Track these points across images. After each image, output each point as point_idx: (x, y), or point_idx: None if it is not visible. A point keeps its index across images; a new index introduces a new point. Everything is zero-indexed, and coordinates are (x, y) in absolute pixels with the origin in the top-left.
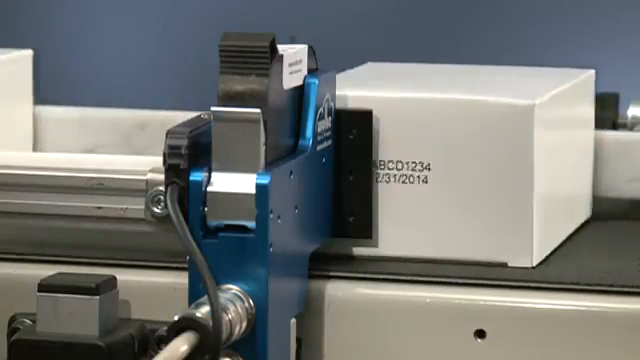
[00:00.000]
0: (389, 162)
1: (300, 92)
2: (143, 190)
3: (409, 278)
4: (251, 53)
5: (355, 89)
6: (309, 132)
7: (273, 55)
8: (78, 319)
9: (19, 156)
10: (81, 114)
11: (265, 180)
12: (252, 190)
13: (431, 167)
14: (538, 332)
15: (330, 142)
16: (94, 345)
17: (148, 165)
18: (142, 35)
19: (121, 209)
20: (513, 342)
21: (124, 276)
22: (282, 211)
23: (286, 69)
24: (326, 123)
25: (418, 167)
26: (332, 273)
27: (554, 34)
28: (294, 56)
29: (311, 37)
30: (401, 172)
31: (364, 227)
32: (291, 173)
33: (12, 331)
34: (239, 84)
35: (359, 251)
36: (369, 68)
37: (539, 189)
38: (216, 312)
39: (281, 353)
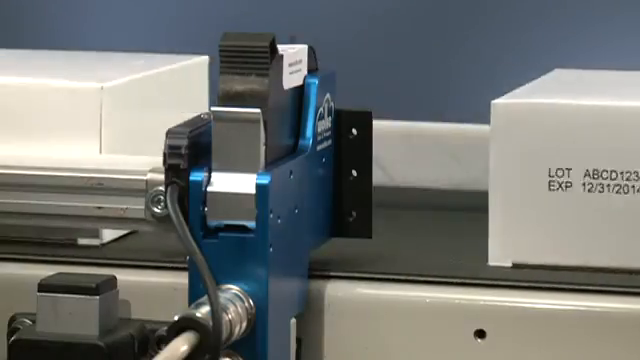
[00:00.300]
0: (603, 171)
1: (300, 92)
2: (143, 190)
3: (409, 278)
4: (251, 53)
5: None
6: (309, 132)
7: (273, 55)
8: (78, 319)
9: (19, 156)
10: None
11: (265, 180)
12: (252, 190)
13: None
14: (538, 332)
15: (330, 142)
16: (94, 345)
17: (148, 165)
18: (142, 35)
19: (121, 209)
20: (513, 342)
21: (124, 276)
22: (282, 211)
23: (286, 69)
24: (326, 123)
25: (633, 177)
26: (332, 273)
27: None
28: (294, 56)
29: (311, 37)
30: (615, 182)
31: (364, 227)
32: (291, 173)
33: (12, 331)
34: (239, 84)
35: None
36: (558, 74)
37: None
38: (216, 312)
39: (281, 353)
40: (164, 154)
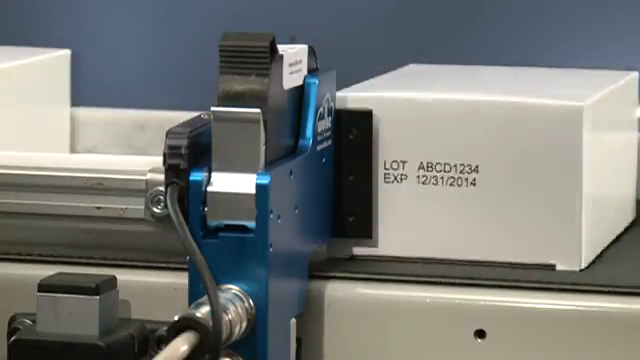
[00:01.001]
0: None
1: (300, 92)
2: (143, 190)
3: (409, 278)
4: (251, 53)
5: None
6: (309, 132)
7: (273, 55)
8: (78, 319)
9: (19, 156)
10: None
11: (265, 180)
12: (252, 190)
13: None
14: (538, 332)
15: (330, 142)
16: (94, 345)
17: (148, 165)
18: (142, 35)
19: (121, 209)
20: (513, 342)
21: (124, 276)
22: (282, 211)
23: (286, 69)
24: (326, 123)
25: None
26: (332, 273)
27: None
28: (294, 56)
29: (311, 37)
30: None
31: (364, 227)
32: (291, 173)
33: (12, 331)
34: (239, 84)
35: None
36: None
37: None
38: (216, 312)
39: (281, 353)
40: (164, 154)
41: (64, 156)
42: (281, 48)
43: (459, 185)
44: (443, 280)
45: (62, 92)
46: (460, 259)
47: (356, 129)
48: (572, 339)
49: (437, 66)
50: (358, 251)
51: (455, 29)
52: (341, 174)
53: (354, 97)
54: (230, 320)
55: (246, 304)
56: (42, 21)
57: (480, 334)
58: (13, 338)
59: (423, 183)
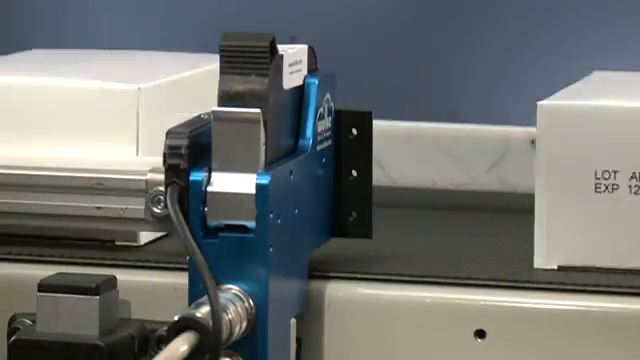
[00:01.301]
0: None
1: (300, 92)
2: (143, 190)
3: (409, 278)
4: (251, 53)
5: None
6: (309, 132)
7: (273, 55)
8: (78, 319)
9: (19, 156)
10: None
11: (265, 180)
12: (252, 190)
13: None
14: (538, 332)
15: (330, 142)
16: (94, 345)
17: (148, 165)
18: (141, 35)
19: (121, 209)
20: (513, 342)
21: (124, 276)
22: (282, 211)
23: (286, 69)
24: (326, 123)
25: None
26: (332, 273)
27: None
28: (294, 56)
29: (311, 37)
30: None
31: (364, 227)
32: (291, 173)
33: (12, 331)
34: (239, 84)
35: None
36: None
37: None
38: (216, 312)
39: (281, 353)
40: (164, 154)
41: (64, 156)
42: (281, 48)
43: None
44: (443, 280)
45: None
46: None
47: (356, 129)
48: (572, 339)
49: (622, 73)
50: (564, 261)
51: (455, 29)
52: (341, 174)
53: (564, 105)
54: (230, 320)
55: (246, 304)
56: (43, 21)
57: (480, 334)
58: (13, 338)
59: (635, 193)
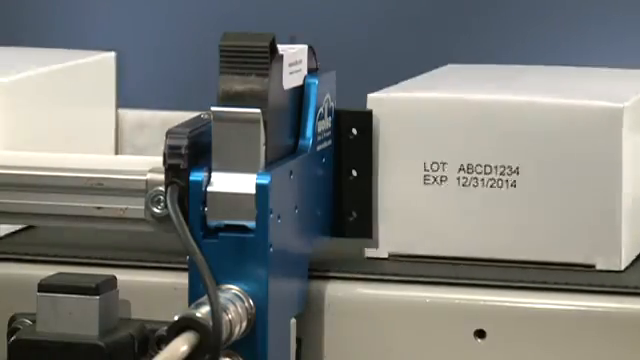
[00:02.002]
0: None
1: (300, 92)
2: (143, 190)
3: (409, 278)
4: (251, 53)
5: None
6: (309, 132)
7: (273, 55)
8: (78, 319)
9: (19, 156)
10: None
11: (265, 180)
12: (252, 190)
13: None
14: (538, 332)
15: (330, 142)
16: (94, 345)
17: (148, 165)
18: (141, 35)
19: (121, 209)
20: (513, 342)
21: (124, 276)
22: (282, 211)
23: (286, 69)
24: (326, 123)
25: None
26: (332, 273)
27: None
28: (294, 56)
29: (311, 37)
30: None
31: (364, 227)
32: (291, 173)
33: (12, 331)
34: (239, 84)
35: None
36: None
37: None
38: (216, 312)
39: (281, 353)
40: (164, 154)
41: (64, 156)
42: (281, 48)
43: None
44: (443, 280)
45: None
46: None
47: (356, 129)
48: (572, 339)
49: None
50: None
51: (455, 29)
52: (341, 174)
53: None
54: (230, 320)
55: (246, 304)
56: (44, 21)
57: (480, 334)
58: (13, 338)
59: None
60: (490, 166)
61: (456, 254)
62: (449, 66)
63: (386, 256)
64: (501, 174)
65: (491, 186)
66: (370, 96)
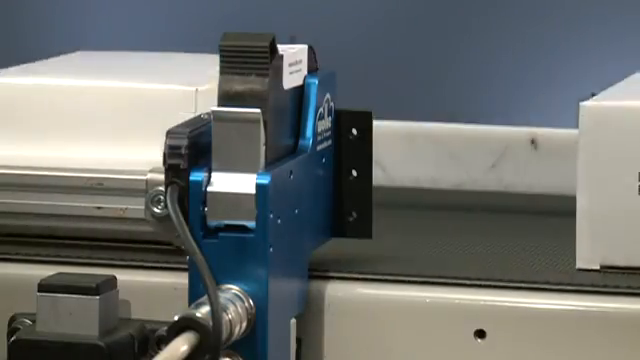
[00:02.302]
0: None
1: (300, 92)
2: (143, 190)
3: (409, 278)
4: (251, 53)
5: None
6: (309, 132)
7: (273, 55)
8: (78, 319)
9: (19, 156)
10: None
11: (265, 180)
12: (252, 190)
13: None
14: (538, 332)
15: (330, 142)
16: (94, 345)
17: (148, 165)
18: (141, 35)
19: (121, 209)
20: (513, 342)
21: (124, 276)
22: (282, 211)
23: (286, 69)
24: (326, 123)
25: None
26: (332, 273)
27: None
28: (294, 56)
29: (311, 37)
30: None
31: (364, 227)
32: (291, 173)
33: (12, 331)
34: (239, 84)
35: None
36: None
37: None
38: (216, 312)
39: (281, 353)
40: (164, 154)
41: (64, 156)
42: (281, 48)
43: None
44: (443, 280)
45: None
46: None
47: (356, 129)
48: (572, 339)
49: None
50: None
51: (455, 30)
52: (341, 174)
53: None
54: (230, 320)
55: (246, 304)
56: (44, 21)
57: (480, 334)
58: (13, 338)
59: None
60: None
61: None
62: (638, 74)
63: (598, 267)
64: None
65: None
66: (583, 104)
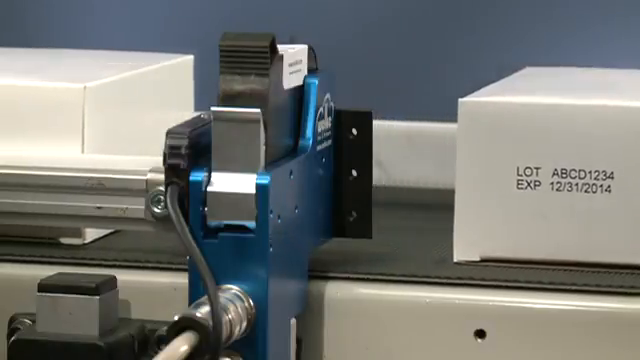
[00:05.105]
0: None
1: (300, 92)
2: (143, 190)
3: (409, 278)
4: (251, 53)
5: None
6: (309, 132)
7: (273, 55)
8: (78, 319)
9: (19, 156)
10: None
11: (265, 180)
12: (252, 190)
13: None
14: (538, 332)
15: (330, 142)
16: (94, 345)
17: (148, 165)
18: (141, 35)
19: (121, 209)
20: (513, 342)
21: (124, 276)
22: (282, 211)
23: (286, 69)
24: (326, 123)
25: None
26: (332, 273)
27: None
28: (294, 56)
29: (311, 37)
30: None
31: (364, 227)
32: (291, 173)
33: (12, 331)
34: (239, 84)
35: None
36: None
37: None
38: (216, 312)
39: (281, 353)
40: (164, 154)
41: (64, 156)
42: (281, 48)
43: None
44: (443, 280)
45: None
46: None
47: (356, 129)
48: (572, 339)
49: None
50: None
51: (455, 29)
52: (341, 174)
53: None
54: (230, 320)
55: (246, 304)
56: (43, 20)
57: (480, 334)
58: (13, 338)
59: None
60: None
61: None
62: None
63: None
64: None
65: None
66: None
